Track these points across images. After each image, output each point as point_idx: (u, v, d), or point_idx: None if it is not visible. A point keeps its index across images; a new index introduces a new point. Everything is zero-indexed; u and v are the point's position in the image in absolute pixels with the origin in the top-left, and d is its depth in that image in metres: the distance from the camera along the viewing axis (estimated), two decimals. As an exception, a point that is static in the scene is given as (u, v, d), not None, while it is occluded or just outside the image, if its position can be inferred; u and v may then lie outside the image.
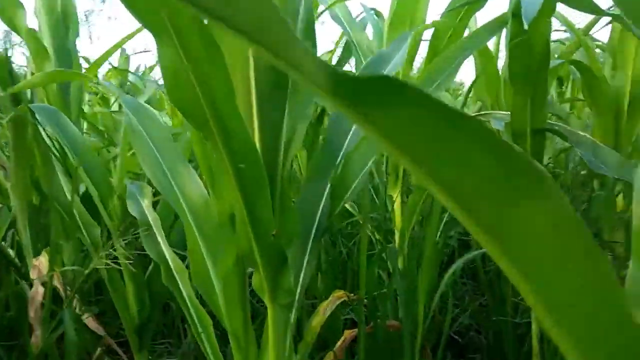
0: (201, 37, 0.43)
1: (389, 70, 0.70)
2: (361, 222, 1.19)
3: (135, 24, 1.27)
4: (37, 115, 0.94)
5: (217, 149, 0.51)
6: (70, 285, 0.90)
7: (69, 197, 0.93)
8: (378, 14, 1.28)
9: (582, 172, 1.25)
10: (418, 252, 1.15)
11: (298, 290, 0.68)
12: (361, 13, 1.32)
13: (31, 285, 0.91)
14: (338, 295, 0.82)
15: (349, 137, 0.66)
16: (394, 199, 1.23)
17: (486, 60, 1.19)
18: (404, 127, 0.22)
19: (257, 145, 0.55)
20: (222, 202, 0.63)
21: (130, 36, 1.30)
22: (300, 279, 0.67)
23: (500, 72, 1.20)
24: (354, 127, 0.66)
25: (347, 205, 1.38)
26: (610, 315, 0.24)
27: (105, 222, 0.88)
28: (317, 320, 0.79)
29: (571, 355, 0.25)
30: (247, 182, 0.52)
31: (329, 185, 0.64)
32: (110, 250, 0.76)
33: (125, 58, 2.31)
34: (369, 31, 1.24)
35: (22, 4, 1.20)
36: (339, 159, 0.65)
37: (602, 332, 0.24)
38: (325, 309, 0.81)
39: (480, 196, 0.23)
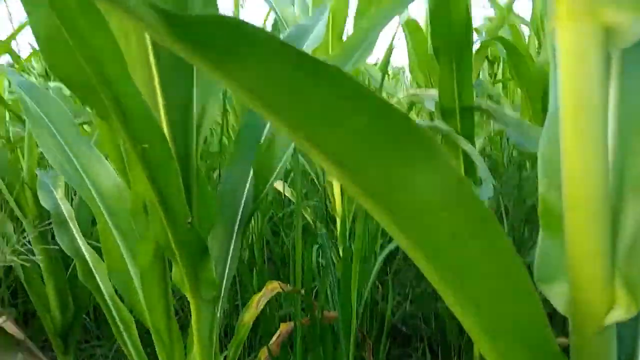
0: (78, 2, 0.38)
1: (309, 43, 0.67)
2: (302, 210, 1.16)
3: None
4: None
5: (117, 129, 0.47)
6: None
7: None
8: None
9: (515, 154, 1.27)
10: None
11: (224, 283, 0.64)
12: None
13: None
14: (272, 287, 0.78)
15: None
16: (333, 186, 1.20)
17: (416, 38, 1.16)
18: (263, 82, 0.19)
19: (165, 125, 0.51)
20: (135, 188, 0.58)
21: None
22: (226, 270, 0.63)
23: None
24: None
25: (287, 194, 1.34)
26: (508, 284, 0.21)
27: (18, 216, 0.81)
28: (250, 314, 0.75)
29: (473, 331, 0.23)
30: (153, 164, 0.48)
31: (252, 168, 0.61)
32: (18, 246, 0.69)
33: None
34: (297, 8, 1.21)
35: None
36: (262, 139, 0.61)
37: (501, 304, 0.21)
38: (258, 301, 0.77)
39: (364, 162, 0.20)
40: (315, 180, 1.24)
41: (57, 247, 0.78)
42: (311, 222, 1.25)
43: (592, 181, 0.23)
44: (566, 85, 0.22)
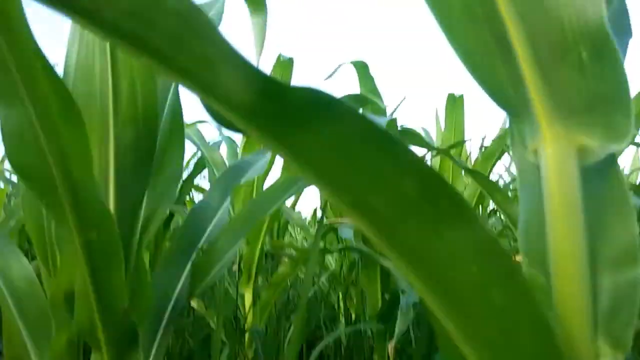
0: (58, 96, 0.39)
1: (252, 173, 0.71)
2: (209, 319, 1.11)
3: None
4: None
5: (63, 220, 0.45)
6: None
7: None
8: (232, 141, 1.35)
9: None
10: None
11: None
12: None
13: None
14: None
15: (215, 219, 0.63)
16: (245, 298, 1.18)
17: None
18: (331, 148, 0.21)
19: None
20: (59, 279, 0.54)
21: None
22: (148, 366, 0.58)
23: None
24: (220, 211, 0.64)
25: (193, 304, 1.28)
26: (535, 337, 0.23)
27: None
28: None
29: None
30: (97, 251, 0.46)
31: (189, 264, 0.59)
32: None
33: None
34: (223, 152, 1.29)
35: None
36: (204, 237, 0.61)
37: (526, 355, 0.24)
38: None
39: (405, 221, 0.23)
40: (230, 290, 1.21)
41: None
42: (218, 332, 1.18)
43: (576, 260, 0.28)
44: (552, 188, 0.28)
